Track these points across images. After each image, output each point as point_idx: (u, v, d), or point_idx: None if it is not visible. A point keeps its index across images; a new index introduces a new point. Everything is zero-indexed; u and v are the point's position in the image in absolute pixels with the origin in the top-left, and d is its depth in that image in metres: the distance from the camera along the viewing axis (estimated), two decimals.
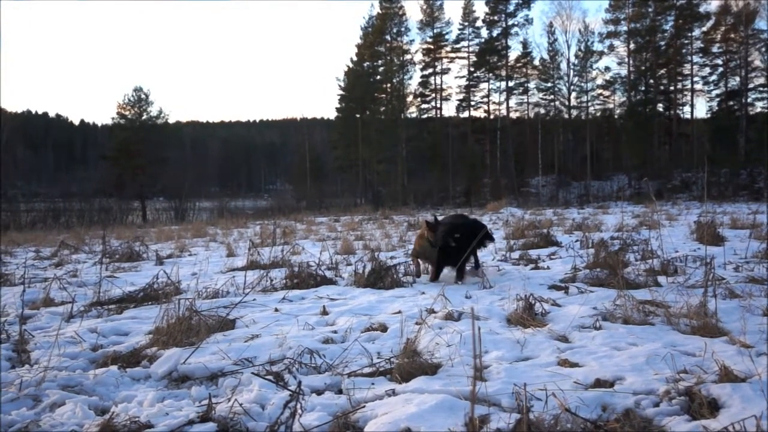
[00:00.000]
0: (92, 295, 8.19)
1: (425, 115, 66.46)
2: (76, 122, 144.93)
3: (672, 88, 59.51)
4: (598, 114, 63.62)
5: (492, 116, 64.56)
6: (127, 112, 66.30)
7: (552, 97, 62.18)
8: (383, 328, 6.05)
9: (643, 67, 58.32)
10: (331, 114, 73.19)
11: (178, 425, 3.83)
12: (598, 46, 59.77)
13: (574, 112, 62.31)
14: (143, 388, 4.72)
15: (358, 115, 61.41)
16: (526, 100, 64.18)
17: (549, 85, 61.81)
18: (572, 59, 59.62)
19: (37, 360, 5.42)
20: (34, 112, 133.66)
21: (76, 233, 22.69)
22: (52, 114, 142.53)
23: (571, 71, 59.61)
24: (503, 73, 62.57)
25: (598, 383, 4.11)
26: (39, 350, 5.72)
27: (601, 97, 62.95)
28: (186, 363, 5.01)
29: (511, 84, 63.08)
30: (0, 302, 7.80)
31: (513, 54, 63.12)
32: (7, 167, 54.29)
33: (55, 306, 7.89)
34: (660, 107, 59.62)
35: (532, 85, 63.33)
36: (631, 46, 58.59)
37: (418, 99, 65.62)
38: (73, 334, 6.14)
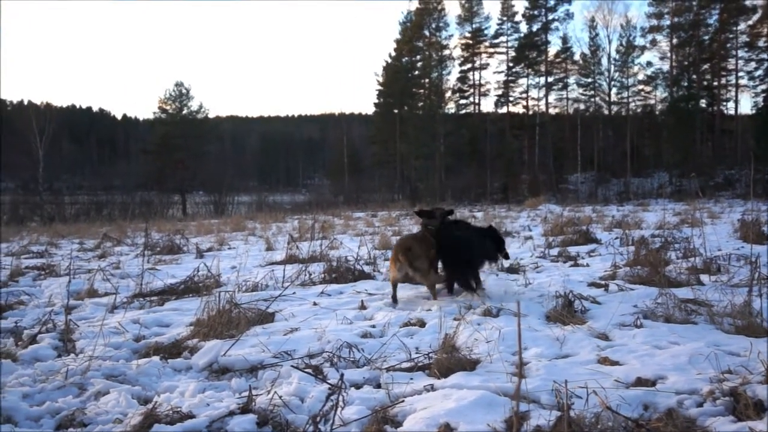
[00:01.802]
0: (134, 286, 8.33)
1: (463, 111, 66.10)
2: (119, 117, 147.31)
3: (716, 83, 58.34)
4: (639, 110, 62.61)
5: (530, 112, 64.06)
6: (168, 107, 67.16)
7: (592, 92, 61.41)
8: (421, 324, 6.05)
9: (686, 63, 57.24)
10: (370, 109, 73.28)
11: (219, 416, 3.89)
12: (640, 41, 58.79)
13: (615, 108, 61.44)
14: (184, 378, 4.79)
15: (396, 111, 61.36)
16: (565, 96, 63.54)
17: (589, 80, 61.04)
18: (613, 54, 58.81)
19: (82, 349, 5.53)
20: (78, 107, 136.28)
21: (118, 226, 23.06)
22: (95, 108, 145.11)
23: (612, 66, 58.81)
24: (542, 68, 61.98)
25: (640, 382, 4.06)
26: (84, 340, 5.84)
27: (642, 93, 61.95)
28: (226, 355, 5.08)
29: (550, 79, 62.49)
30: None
31: (552, 49, 62.54)
32: (52, 161, 55.28)
33: (98, 297, 8.05)
34: (703, 103, 58.42)
35: (571, 80, 62.65)
36: (674, 40, 57.52)
37: (456, 94, 65.34)
38: (116, 324, 6.26)
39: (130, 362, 5.14)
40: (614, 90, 59.80)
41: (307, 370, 4.65)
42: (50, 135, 53.81)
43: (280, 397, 4.08)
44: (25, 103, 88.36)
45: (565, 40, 61.13)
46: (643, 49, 58.96)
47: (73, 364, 5.04)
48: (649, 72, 60.48)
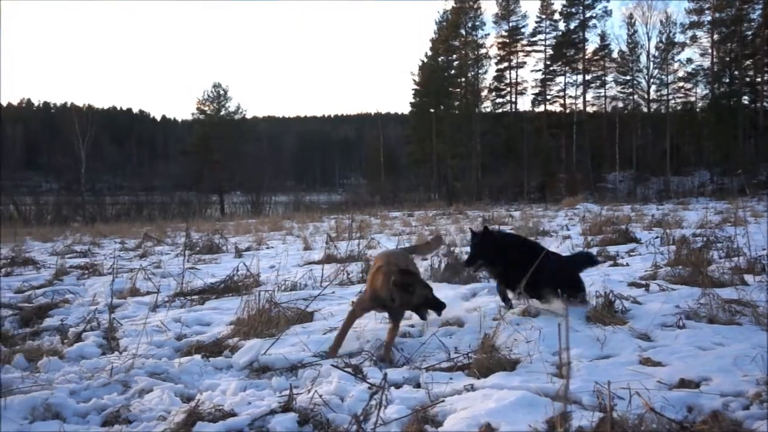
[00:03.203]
0: (175, 285, 8.44)
1: (500, 110, 65.78)
2: (158, 118, 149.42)
3: (758, 79, 57.16)
4: (679, 107, 61.64)
5: (568, 110, 63.50)
6: (206, 108, 67.93)
7: (630, 90, 60.69)
8: (460, 323, 6.04)
9: (727, 59, 56.23)
10: (406, 109, 73.20)
11: (260, 414, 3.93)
12: (680, 38, 57.90)
13: (654, 106, 60.62)
14: (226, 377, 4.85)
15: (432, 110, 61.30)
16: (603, 94, 62.82)
17: (627, 78, 60.32)
18: (652, 51, 57.99)
19: (126, 347, 5.63)
20: (119, 109, 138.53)
21: (158, 226, 23.40)
22: (135, 110, 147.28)
23: (651, 64, 58.02)
24: (580, 66, 61.40)
25: (683, 383, 4.00)
26: (127, 338, 5.94)
27: (683, 90, 61.04)
28: (266, 354, 5.12)
29: (588, 77, 61.86)
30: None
31: (590, 47, 61.89)
32: (94, 162, 56.27)
33: (140, 296, 8.18)
34: (745, 100, 57.37)
35: (609, 78, 61.97)
36: (715, 36, 56.54)
37: (493, 93, 65.04)
38: (158, 323, 6.36)
39: (172, 360, 5.21)
40: (653, 87, 59.08)
41: (346, 369, 4.67)
42: (92, 137, 54.85)
43: (321, 396, 4.10)
44: (68, 105, 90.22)
45: (603, 37, 60.51)
46: (683, 45, 58.14)
47: (118, 361, 5.13)
48: (689, 69, 59.56)
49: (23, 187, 58.98)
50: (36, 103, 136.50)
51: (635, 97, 60.53)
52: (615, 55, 61.17)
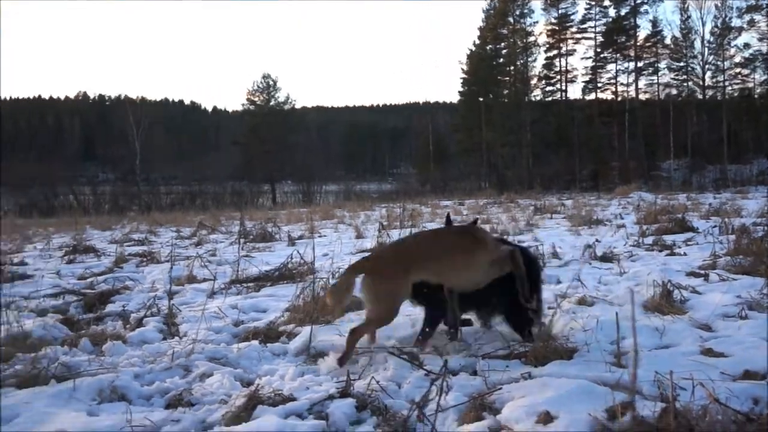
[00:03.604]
0: (231, 273, 8.57)
1: (550, 98, 64.81)
2: (210, 109, 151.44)
3: None
4: (736, 94, 59.94)
5: (620, 98, 62.19)
6: (256, 99, 68.59)
7: (685, 77, 59.24)
8: None
9: None
10: (455, 98, 72.77)
11: (319, 399, 3.98)
12: (736, 22, 56.20)
13: (709, 92, 59.08)
14: (283, 362, 4.92)
15: (481, 99, 60.86)
16: (656, 81, 61.35)
17: (681, 64, 58.88)
18: (707, 36, 56.49)
19: (185, 333, 5.76)
20: (171, 100, 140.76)
21: (212, 215, 23.76)
22: (187, 102, 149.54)
23: (706, 49, 56.54)
24: (632, 53, 60.02)
25: (748, 375, 3.93)
26: (186, 324, 6.07)
27: (740, 76, 59.32)
28: (322, 340, 5.18)
29: (640, 64, 60.45)
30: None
31: (642, 33, 60.45)
32: (148, 152, 57.39)
33: (197, 283, 8.34)
34: None
35: (662, 65, 60.43)
36: None
37: (543, 81, 64.13)
38: (216, 309, 6.48)
39: (230, 346, 5.31)
40: (709, 74, 57.57)
41: (402, 356, 4.69)
42: (146, 128, 55.88)
43: (378, 382, 4.14)
44: (122, 97, 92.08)
45: (655, 23, 59.03)
46: (740, 30, 56.42)
47: (178, 346, 5.25)
48: (746, 54, 57.82)
49: (81, 178, 60.46)
50: (92, 96, 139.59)
51: (690, 83, 59.14)
52: (668, 41, 59.73)
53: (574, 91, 78.84)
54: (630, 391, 3.23)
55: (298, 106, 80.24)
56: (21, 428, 3.60)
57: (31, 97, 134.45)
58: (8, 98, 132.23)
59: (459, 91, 65.20)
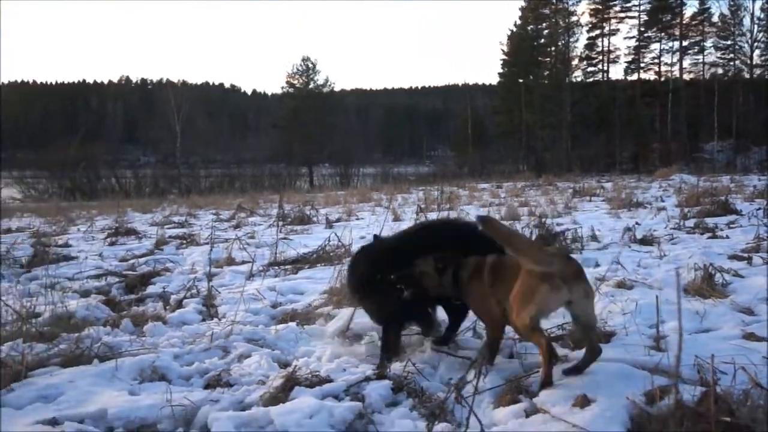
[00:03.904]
0: (269, 255, 8.66)
1: (591, 79, 63.76)
2: (249, 92, 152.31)
3: None
4: None
5: (663, 78, 60.95)
6: (295, 81, 68.79)
7: (731, 56, 57.82)
8: None
9: None
10: (494, 79, 71.98)
11: (355, 381, 4.01)
12: None
13: (757, 71, 57.57)
14: (320, 344, 4.96)
15: (521, 80, 60.20)
16: (701, 60, 60.00)
17: (728, 43, 57.48)
18: (757, 13, 54.98)
19: (224, 314, 5.84)
20: (211, 84, 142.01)
21: (250, 197, 23.97)
22: (227, 85, 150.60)
23: (755, 27, 55.05)
24: (677, 32, 58.71)
25: None
26: (225, 305, 6.15)
27: None
28: (359, 322, 5.20)
29: (685, 43, 59.15)
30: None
31: (688, 11, 59.16)
32: (188, 136, 58.01)
33: (236, 265, 8.44)
34: None
35: (708, 43, 59.05)
36: None
37: (584, 62, 63.11)
38: (254, 291, 6.54)
39: (268, 327, 5.37)
40: (757, 52, 56.08)
41: (438, 338, 4.70)
42: (186, 111, 56.46)
43: (414, 364, 4.16)
44: (164, 81, 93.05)
45: (702, 0, 57.69)
46: None
47: (217, 327, 5.33)
48: None
49: (123, 161, 61.42)
50: (134, 80, 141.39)
51: (737, 62, 57.71)
52: (715, 18, 58.32)
53: (616, 72, 77.79)
54: (672, 375, 3.20)
55: (336, 88, 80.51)
56: (66, 406, 3.69)
57: (76, 81, 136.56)
58: (53, 83, 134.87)
59: (499, 73, 64.62)
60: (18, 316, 5.17)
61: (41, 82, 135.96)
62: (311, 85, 68.98)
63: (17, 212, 20.79)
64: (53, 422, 3.41)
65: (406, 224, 11.49)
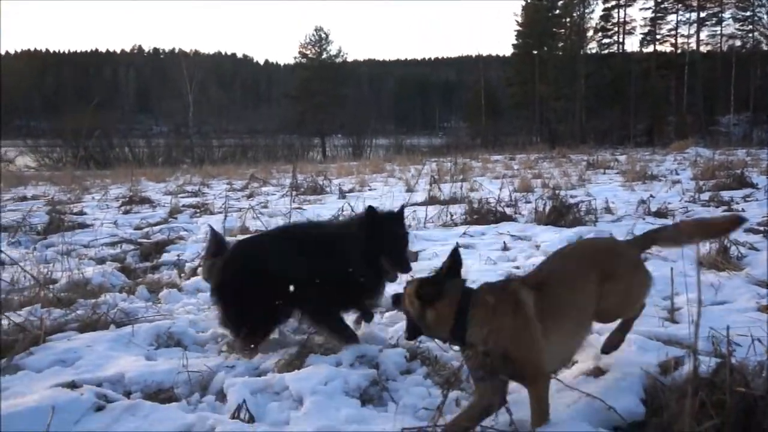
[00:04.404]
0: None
1: (606, 51, 63.11)
2: (261, 62, 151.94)
3: None
4: None
5: (679, 50, 60.24)
6: (308, 52, 68.46)
7: (750, 27, 56.95)
8: None
9: None
10: (508, 51, 71.36)
11: (370, 349, 4.03)
12: None
13: None
14: None
15: (535, 52, 59.64)
16: (719, 32, 59.19)
17: (747, 14, 56.61)
18: None
19: None
20: (224, 53, 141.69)
21: (263, 167, 23.99)
22: (239, 55, 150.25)
23: None
24: (694, 2, 57.86)
25: None
26: None
27: None
28: None
29: (702, 15, 58.30)
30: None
31: None
32: (201, 105, 58.00)
33: (250, 234, 8.45)
34: None
35: (727, 14, 58.17)
36: None
37: (599, 34, 62.41)
38: None
39: None
40: None
41: None
42: (199, 81, 56.36)
43: None
44: (177, 51, 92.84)
45: None
46: None
47: None
48: None
49: (136, 131, 61.41)
50: (147, 50, 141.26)
51: (755, 34, 56.85)
52: None
53: (632, 44, 76.74)
54: (690, 347, 3.20)
55: (349, 59, 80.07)
56: (84, 370, 3.73)
57: (88, 50, 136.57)
58: (66, 51, 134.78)
59: (513, 44, 63.96)
60: (35, 282, 5.22)
61: (54, 51, 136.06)
62: (324, 56, 68.67)
63: (32, 180, 20.90)
64: (72, 385, 3.45)
65: (419, 195, 11.49)
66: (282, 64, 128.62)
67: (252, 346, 4.10)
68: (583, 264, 3.25)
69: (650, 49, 61.20)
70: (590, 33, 61.15)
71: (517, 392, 3.10)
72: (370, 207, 4.21)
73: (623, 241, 3.70)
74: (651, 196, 10.08)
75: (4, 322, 4.26)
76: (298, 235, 4.53)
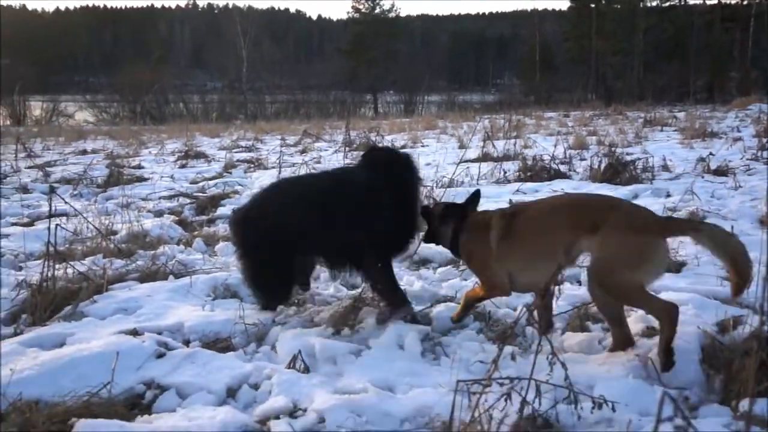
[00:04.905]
0: None
1: (667, 3, 61.02)
2: (314, 17, 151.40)
3: None
4: None
5: (746, 1, 57.88)
6: (361, 6, 67.88)
7: None
8: None
9: None
10: (564, 4, 69.69)
11: (424, 306, 4.07)
12: None
13: None
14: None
15: (593, 5, 58.04)
16: None
17: None
18: None
19: None
20: (276, 9, 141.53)
21: (316, 123, 24.05)
22: (292, 10, 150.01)
23: None
24: None
25: None
26: None
27: None
28: (426, 246, 5.22)
29: None
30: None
31: None
32: (254, 61, 58.20)
33: None
34: None
35: None
36: None
37: None
38: None
39: None
40: None
41: None
42: (252, 37, 56.48)
43: None
44: (230, 6, 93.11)
45: None
46: None
47: None
48: None
49: (190, 86, 61.98)
50: (201, 5, 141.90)
51: None
52: None
53: None
54: (750, 306, 3.14)
55: (402, 14, 79.18)
56: (144, 318, 3.85)
57: (145, 6, 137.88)
58: (123, 7, 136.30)
59: None
60: (98, 233, 5.38)
61: (111, 7, 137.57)
62: (377, 10, 67.99)
63: (91, 135, 21.34)
64: (134, 332, 3.57)
65: (472, 152, 11.40)
66: (335, 19, 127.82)
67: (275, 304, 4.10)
68: (562, 210, 3.50)
69: (714, 0, 58.94)
70: None
71: (577, 353, 3.12)
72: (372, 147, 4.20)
73: (645, 210, 3.40)
74: (711, 153, 9.81)
75: (69, 270, 4.40)
76: (322, 180, 4.29)
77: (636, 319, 3.55)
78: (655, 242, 3.16)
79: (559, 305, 3.85)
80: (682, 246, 4.81)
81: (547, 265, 3.23)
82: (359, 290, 4.27)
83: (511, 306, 4.04)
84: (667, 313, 3.04)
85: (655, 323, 3.40)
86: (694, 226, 3.43)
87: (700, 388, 2.88)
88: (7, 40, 58.92)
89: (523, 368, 2.92)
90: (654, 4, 59.37)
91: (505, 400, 2.41)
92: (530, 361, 2.52)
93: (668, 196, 7.14)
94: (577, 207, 3.49)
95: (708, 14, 57.66)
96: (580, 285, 4.31)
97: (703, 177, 8.21)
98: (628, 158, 8.95)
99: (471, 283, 4.31)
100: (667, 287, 4.01)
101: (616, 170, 8.32)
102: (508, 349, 3.28)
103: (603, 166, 8.54)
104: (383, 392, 2.89)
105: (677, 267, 4.43)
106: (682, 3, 59.15)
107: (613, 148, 9.76)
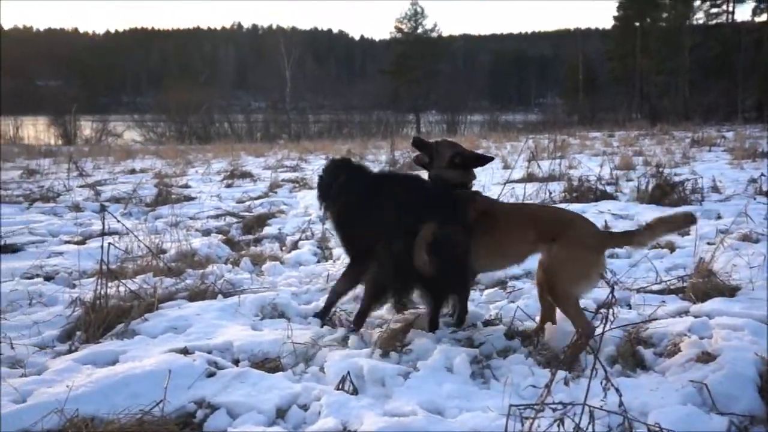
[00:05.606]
0: None
1: (714, 21, 60.18)
2: (357, 38, 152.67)
3: None
4: None
5: None
6: (403, 27, 68.29)
7: None
8: (671, 247, 5.84)
9: None
10: (608, 23, 69.22)
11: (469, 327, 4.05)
12: None
13: None
14: None
15: (637, 23, 57.54)
16: None
17: None
18: None
19: (339, 256, 5.98)
20: (320, 29, 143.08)
21: (359, 143, 24.20)
22: (335, 30, 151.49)
23: None
24: None
25: None
26: (338, 248, 6.26)
27: None
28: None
29: None
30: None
31: None
32: (297, 81, 58.92)
33: None
34: None
35: None
36: None
37: (707, 3, 59.58)
38: None
39: None
40: None
41: None
42: (296, 57, 57.21)
43: (523, 311, 4.17)
44: (274, 27, 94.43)
45: None
46: None
47: (332, 269, 5.49)
48: None
49: (235, 106, 62.83)
50: (246, 26, 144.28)
51: None
52: None
53: (743, 13, 72.76)
54: None
55: (444, 34, 79.45)
56: (194, 337, 3.90)
57: (190, 27, 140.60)
58: (170, 29, 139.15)
59: (614, 16, 61.72)
60: (149, 251, 5.47)
61: (158, 29, 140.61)
62: (419, 30, 68.34)
63: (139, 154, 21.76)
64: (184, 351, 3.61)
65: (516, 172, 11.34)
66: (377, 39, 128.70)
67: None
68: (525, 216, 4.09)
69: (763, 18, 57.88)
70: (697, 2, 58.42)
71: (636, 376, 3.07)
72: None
73: (594, 226, 3.95)
74: (762, 174, 9.62)
75: (121, 288, 4.48)
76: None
77: (689, 345, 3.48)
78: (595, 258, 3.71)
79: (613, 331, 3.79)
80: (735, 270, 4.72)
81: (506, 261, 4.11)
82: (408, 312, 4.26)
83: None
84: (586, 331, 3.57)
85: (710, 348, 3.35)
86: (627, 240, 3.96)
87: (758, 415, 2.82)
88: (59, 62, 60.50)
89: (575, 393, 2.90)
90: (700, 22, 58.60)
91: (558, 425, 2.38)
92: (583, 386, 2.49)
93: (719, 218, 7.02)
94: (542, 219, 4.00)
95: (756, 32, 56.66)
96: (630, 308, 4.25)
97: (755, 199, 8.06)
98: (677, 179, 8.82)
99: (519, 304, 4.28)
100: (721, 311, 3.94)
101: (664, 191, 8.21)
102: (560, 373, 3.24)
103: (650, 186, 8.43)
104: (432, 415, 2.88)
105: (731, 291, 4.34)
106: (729, 21, 58.26)
107: (660, 169, 9.63)
